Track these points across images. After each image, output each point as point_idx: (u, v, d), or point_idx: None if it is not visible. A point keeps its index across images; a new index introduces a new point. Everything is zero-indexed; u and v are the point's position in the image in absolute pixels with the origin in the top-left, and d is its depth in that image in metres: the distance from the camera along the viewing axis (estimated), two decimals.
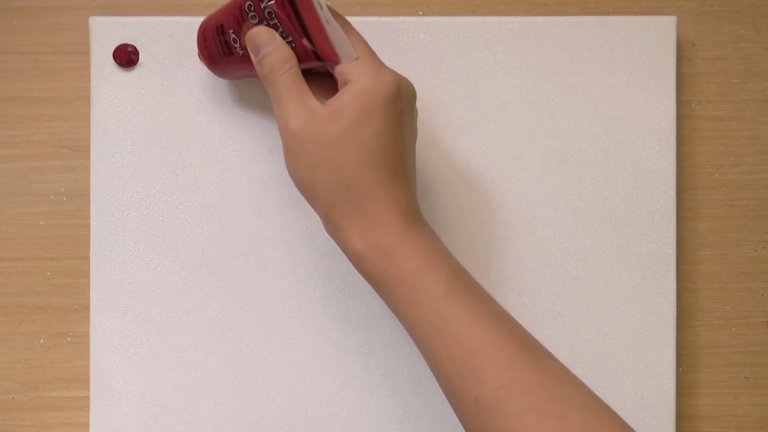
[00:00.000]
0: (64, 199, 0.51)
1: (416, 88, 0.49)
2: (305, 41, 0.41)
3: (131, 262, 0.49)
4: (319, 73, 0.43)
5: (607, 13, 0.52)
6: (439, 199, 0.49)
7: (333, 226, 0.41)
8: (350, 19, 0.49)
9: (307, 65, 0.42)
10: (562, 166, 0.50)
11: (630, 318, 0.49)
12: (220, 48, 0.44)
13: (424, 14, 0.52)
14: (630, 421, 0.49)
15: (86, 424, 0.50)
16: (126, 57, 0.48)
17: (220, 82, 0.49)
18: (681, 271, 0.51)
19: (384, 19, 0.49)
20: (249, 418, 0.49)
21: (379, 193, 0.40)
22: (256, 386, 0.49)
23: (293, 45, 0.42)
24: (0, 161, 0.51)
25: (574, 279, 0.49)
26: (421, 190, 0.49)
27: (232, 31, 0.43)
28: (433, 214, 0.49)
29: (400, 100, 0.40)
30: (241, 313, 0.49)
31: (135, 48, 0.49)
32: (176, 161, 0.49)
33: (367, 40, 0.50)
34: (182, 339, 0.49)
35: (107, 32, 0.49)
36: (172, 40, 0.49)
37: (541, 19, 0.50)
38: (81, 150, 0.51)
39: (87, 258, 0.49)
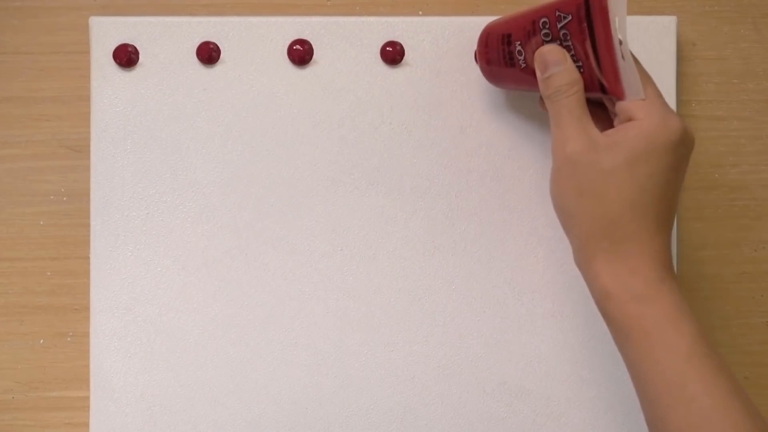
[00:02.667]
0: (64, 199, 0.51)
1: (415, 89, 0.49)
2: (595, 70, 0.41)
3: (131, 262, 0.49)
4: (591, 103, 0.42)
5: None
6: (439, 199, 0.49)
7: (585, 259, 0.41)
8: (350, 19, 0.49)
9: (589, 95, 0.41)
10: None
11: None
12: (502, 56, 0.44)
13: (424, 14, 0.52)
14: (630, 421, 0.49)
15: (86, 424, 0.50)
16: (126, 57, 0.48)
17: (220, 83, 0.49)
18: (681, 271, 0.51)
19: (384, 19, 0.49)
20: (249, 418, 0.49)
21: (642, 237, 0.39)
22: (256, 386, 0.49)
23: (581, 71, 0.41)
24: (0, 161, 0.51)
25: (574, 279, 0.49)
26: (421, 189, 0.49)
27: (519, 42, 0.43)
28: (433, 214, 0.49)
29: (682, 147, 0.40)
30: (241, 313, 0.49)
31: (135, 48, 0.49)
32: (176, 161, 0.49)
33: (367, 40, 0.50)
34: (182, 339, 0.49)
35: (107, 32, 0.49)
36: (172, 40, 0.49)
37: None
38: (81, 150, 0.51)
39: (87, 258, 0.49)
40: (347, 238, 0.49)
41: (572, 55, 0.41)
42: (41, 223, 0.51)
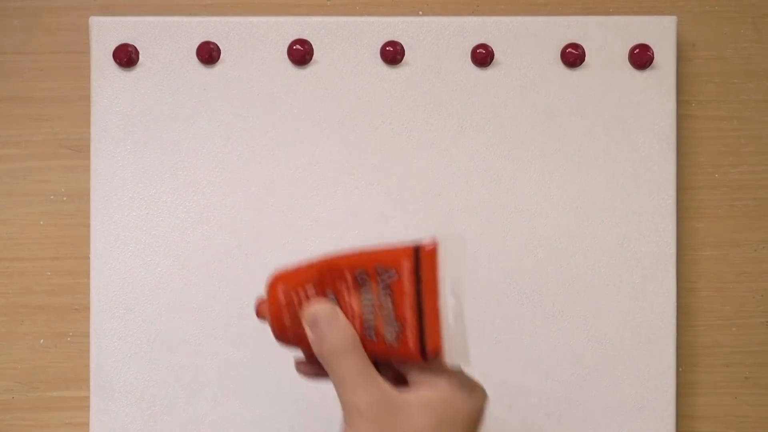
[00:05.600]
0: (64, 199, 0.51)
1: (416, 89, 0.49)
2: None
3: (131, 262, 0.49)
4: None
5: (607, 13, 0.52)
6: (439, 199, 0.49)
7: None
8: (350, 19, 0.49)
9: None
10: (562, 166, 0.50)
11: (630, 318, 0.49)
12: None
13: (424, 14, 0.52)
14: (630, 421, 0.49)
15: (86, 424, 0.50)
16: (126, 57, 0.48)
17: (220, 83, 0.49)
18: (681, 271, 0.51)
19: (384, 19, 0.49)
20: (249, 418, 0.49)
21: None
22: (256, 386, 0.49)
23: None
24: (0, 161, 0.51)
25: (574, 279, 0.49)
26: (422, 189, 0.49)
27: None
28: (433, 214, 0.49)
29: (481, 420, 0.37)
30: (241, 313, 0.49)
31: (135, 48, 0.49)
32: (176, 161, 0.49)
33: (367, 40, 0.50)
34: (182, 339, 0.49)
35: (107, 32, 0.49)
36: (172, 40, 0.49)
37: (541, 19, 0.50)
38: (81, 150, 0.51)
39: (87, 258, 0.49)
40: (347, 238, 0.49)
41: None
42: (41, 223, 0.51)
